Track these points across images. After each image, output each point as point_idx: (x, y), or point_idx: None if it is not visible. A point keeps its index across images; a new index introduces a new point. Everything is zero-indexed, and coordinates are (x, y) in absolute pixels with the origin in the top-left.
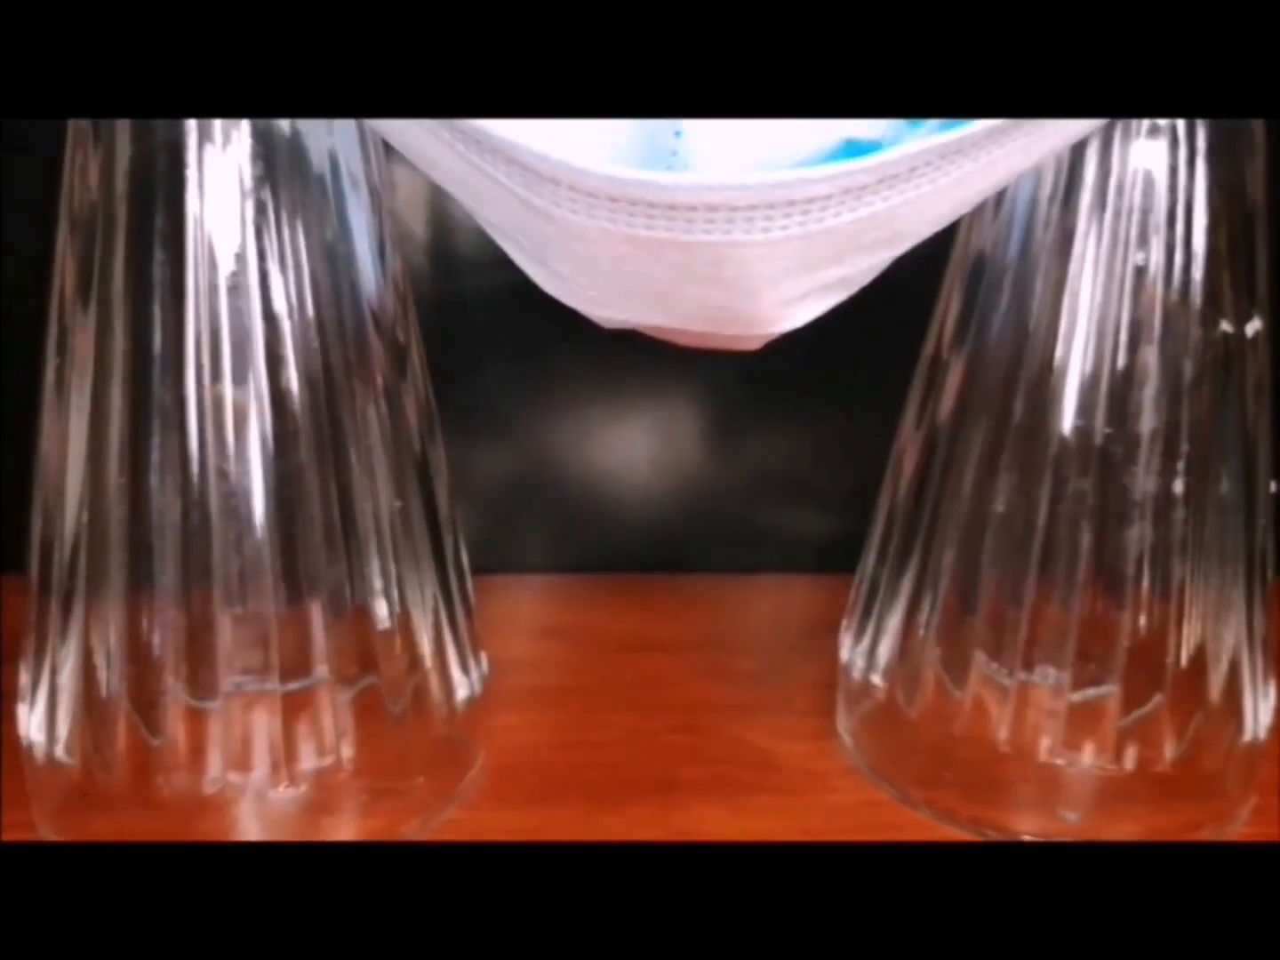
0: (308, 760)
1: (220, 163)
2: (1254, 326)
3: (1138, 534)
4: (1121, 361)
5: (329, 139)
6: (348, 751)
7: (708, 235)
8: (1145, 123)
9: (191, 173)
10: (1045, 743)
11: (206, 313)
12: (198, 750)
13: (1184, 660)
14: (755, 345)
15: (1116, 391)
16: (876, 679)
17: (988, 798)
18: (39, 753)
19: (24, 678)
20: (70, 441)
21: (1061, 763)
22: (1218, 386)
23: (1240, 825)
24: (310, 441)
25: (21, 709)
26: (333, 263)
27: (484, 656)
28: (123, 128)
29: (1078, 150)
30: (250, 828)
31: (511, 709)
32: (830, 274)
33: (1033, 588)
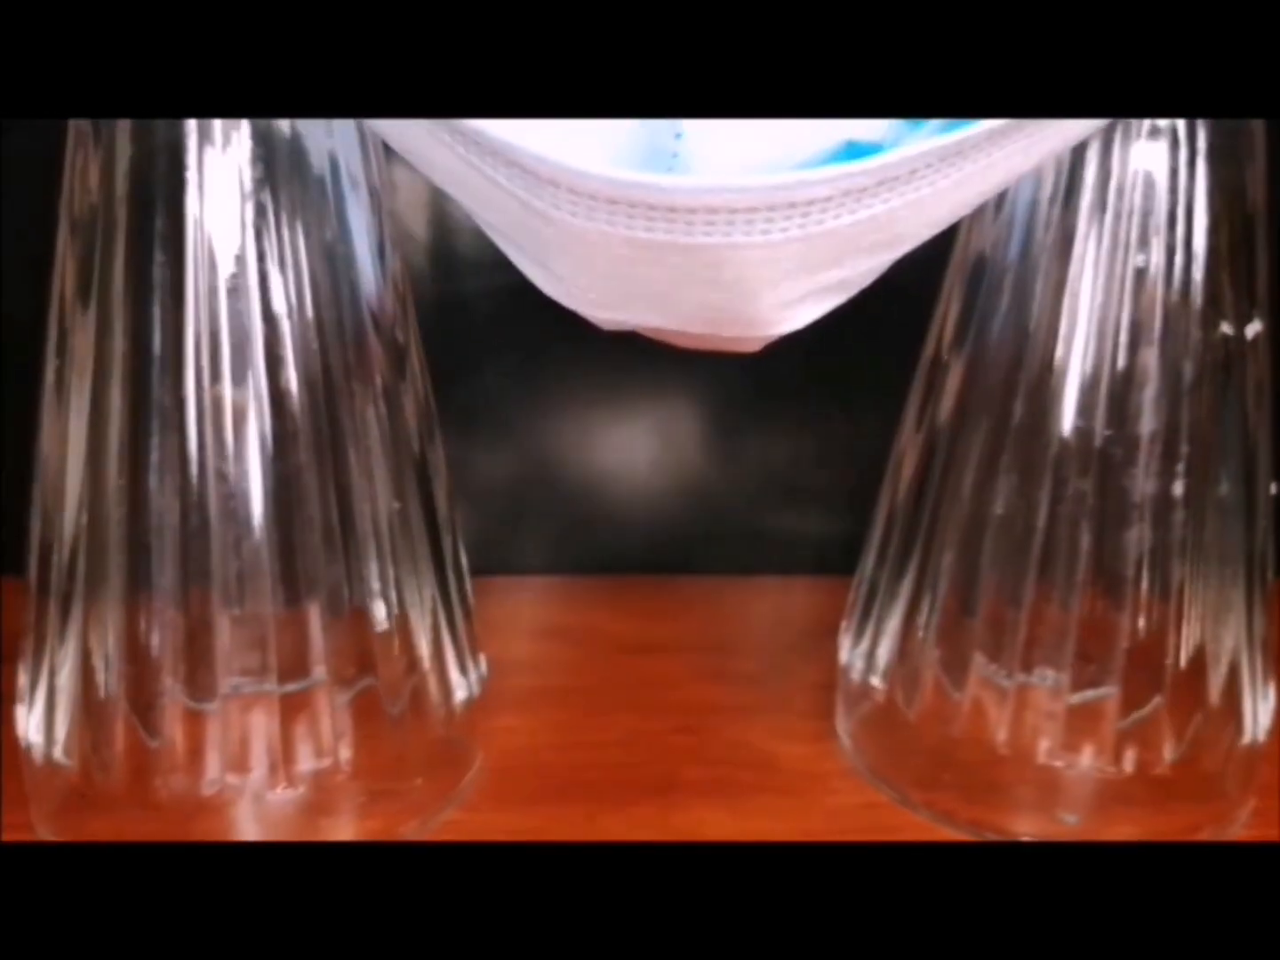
0: (306, 762)
1: (220, 164)
2: (1254, 328)
3: (1137, 535)
4: (1121, 363)
5: (329, 140)
6: (346, 753)
7: (707, 237)
8: (1145, 124)
9: (191, 174)
10: (1044, 745)
11: (206, 314)
12: (196, 751)
13: (1183, 662)
14: (755, 347)
15: (1116, 393)
16: (876, 681)
17: (987, 800)
18: (37, 754)
19: (22, 679)
20: (69, 443)
21: (1060, 765)
22: (1218, 388)
23: (1239, 827)
24: (309, 442)
25: (20, 710)
26: (332, 264)
27: (482, 658)
28: (123, 129)
29: (1078, 152)
30: (248, 829)
31: (511, 710)
32: (830, 276)
33: (1032, 589)
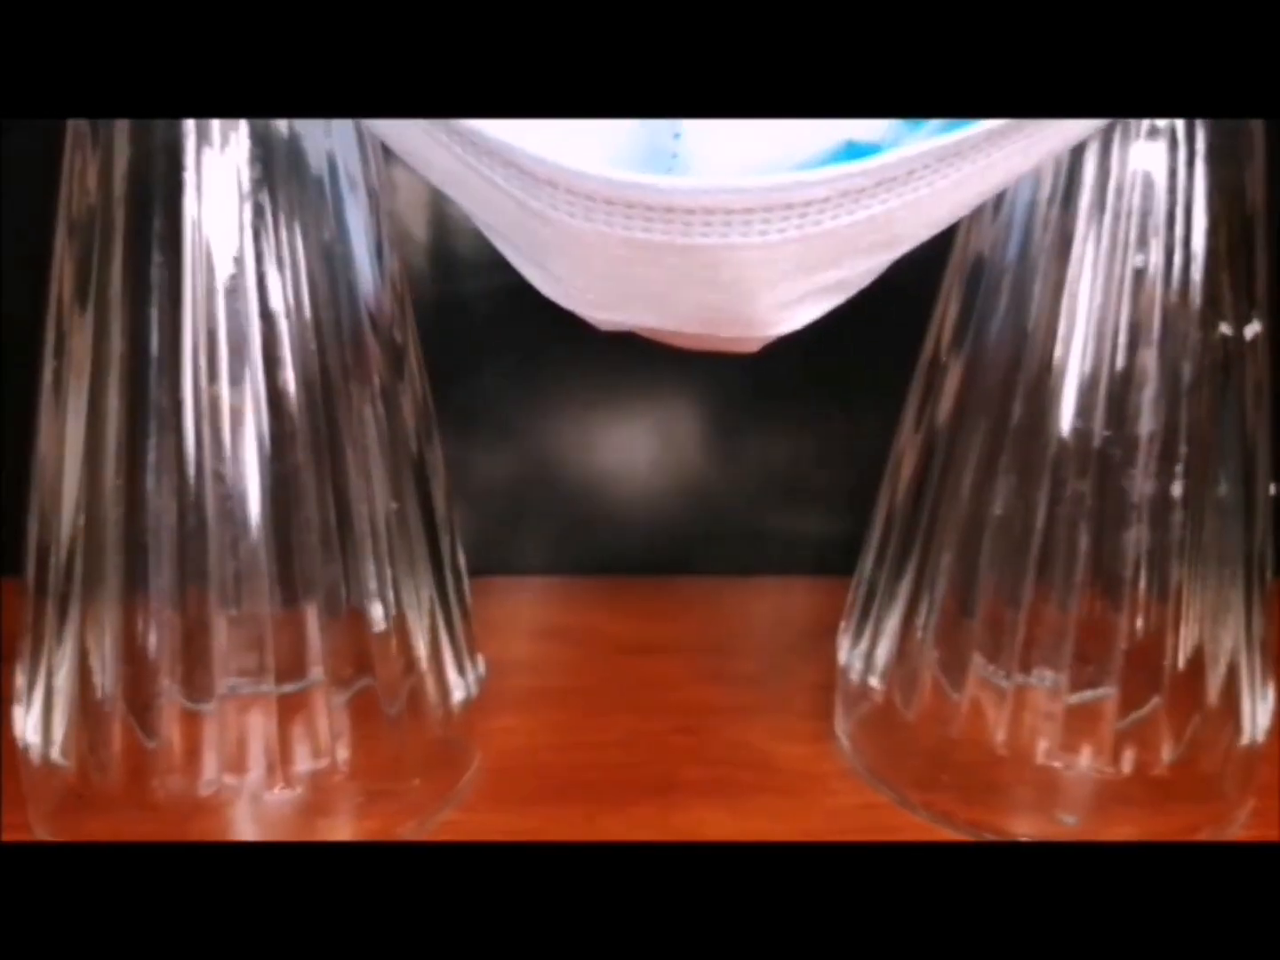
0: (303, 762)
1: (218, 165)
2: (1253, 329)
3: (1136, 536)
4: (1120, 363)
5: (327, 141)
6: (343, 753)
7: (705, 238)
8: (1144, 124)
9: (189, 175)
10: (1043, 745)
11: (204, 315)
12: (193, 752)
13: (1182, 663)
14: (753, 347)
15: (1115, 394)
16: (874, 681)
17: (985, 800)
18: (35, 754)
19: (20, 680)
20: (67, 443)
21: (1059, 765)
22: (1217, 389)
23: (1238, 828)
24: (306, 443)
25: (17, 711)
26: (330, 264)
27: (480, 658)
28: (121, 130)
29: (1077, 152)
30: (246, 829)
31: (510, 711)
32: (828, 277)
33: (1030, 590)
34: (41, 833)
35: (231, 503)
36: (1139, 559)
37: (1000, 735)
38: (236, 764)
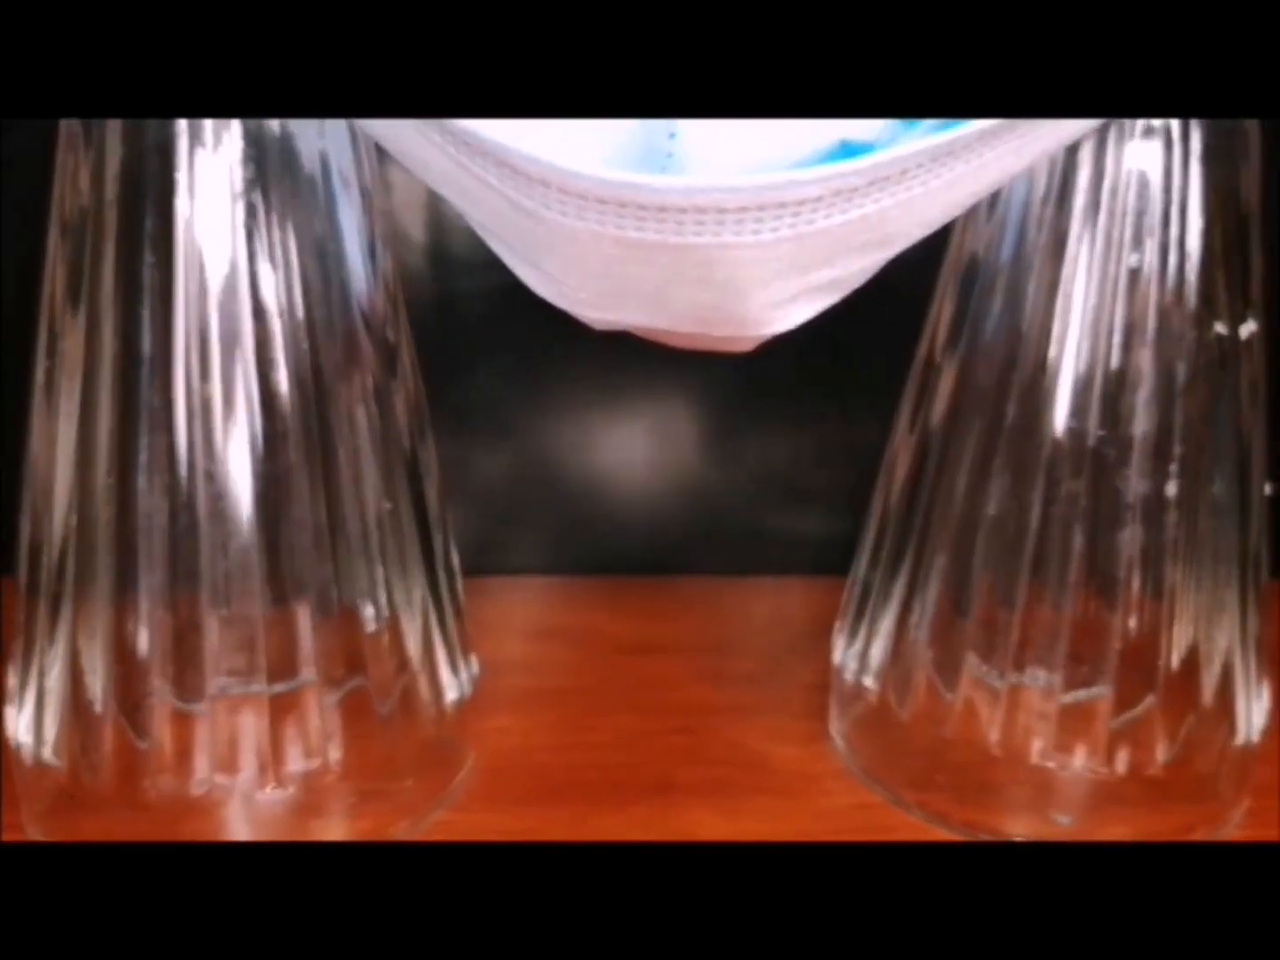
0: (295, 762)
1: (211, 165)
2: (1248, 328)
3: (1130, 536)
4: (1115, 363)
5: (320, 141)
6: (335, 753)
7: (698, 237)
8: (1140, 124)
9: (182, 175)
10: (1037, 745)
11: (196, 314)
12: (185, 752)
13: (1176, 662)
14: (747, 347)
15: (1110, 393)
16: (869, 681)
17: (980, 800)
18: (27, 755)
19: (12, 680)
20: (59, 443)
21: (1053, 765)
22: (1212, 389)
23: (1233, 828)
24: (299, 442)
25: (9, 711)
26: (323, 263)
27: (474, 658)
28: (113, 130)
29: (1071, 152)
30: (238, 829)
31: (506, 711)
32: (821, 276)
33: (1025, 590)
34: (34, 832)
35: (223, 502)
36: (1133, 559)
37: (994, 735)
38: (228, 764)
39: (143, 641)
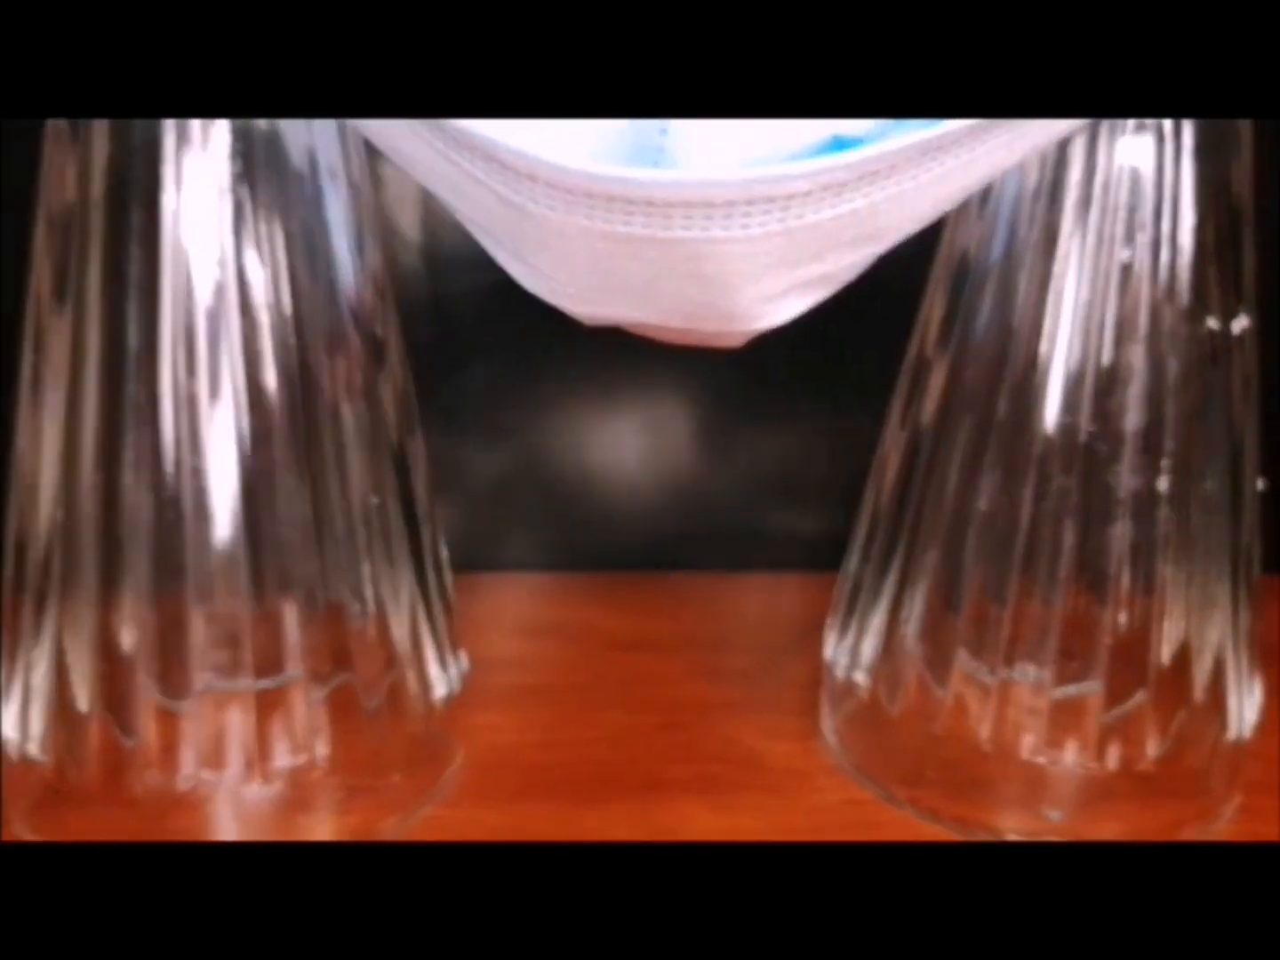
0: (282, 758)
1: (198, 160)
2: (1240, 324)
3: (1121, 531)
4: (1107, 359)
5: (308, 136)
6: (322, 749)
7: (685, 232)
8: (1131, 120)
9: (169, 170)
10: (1028, 740)
11: (182, 310)
12: (171, 749)
13: (1167, 657)
14: (738, 342)
15: (1101, 389)
16: (860, 678)
17: (971, 796)
18: (12, 750)
19: None
20: (45, 440)
21: (1044, 761)
22: (1204, 384)
23: (1224, 824)
24: (285, 437)
25: None
26: (310, 258)
27: (463, 653)
28: (100, 127)
29: (1063, 147)
30: (225, 825)
31: (497, 707)
32: (811, 271)
33: (1015, 585)
34: (20, 828)
35: (209, 498)
36: (1124, 554)
37: (985, 731)
38: (215, 760)
39: (128, 638)
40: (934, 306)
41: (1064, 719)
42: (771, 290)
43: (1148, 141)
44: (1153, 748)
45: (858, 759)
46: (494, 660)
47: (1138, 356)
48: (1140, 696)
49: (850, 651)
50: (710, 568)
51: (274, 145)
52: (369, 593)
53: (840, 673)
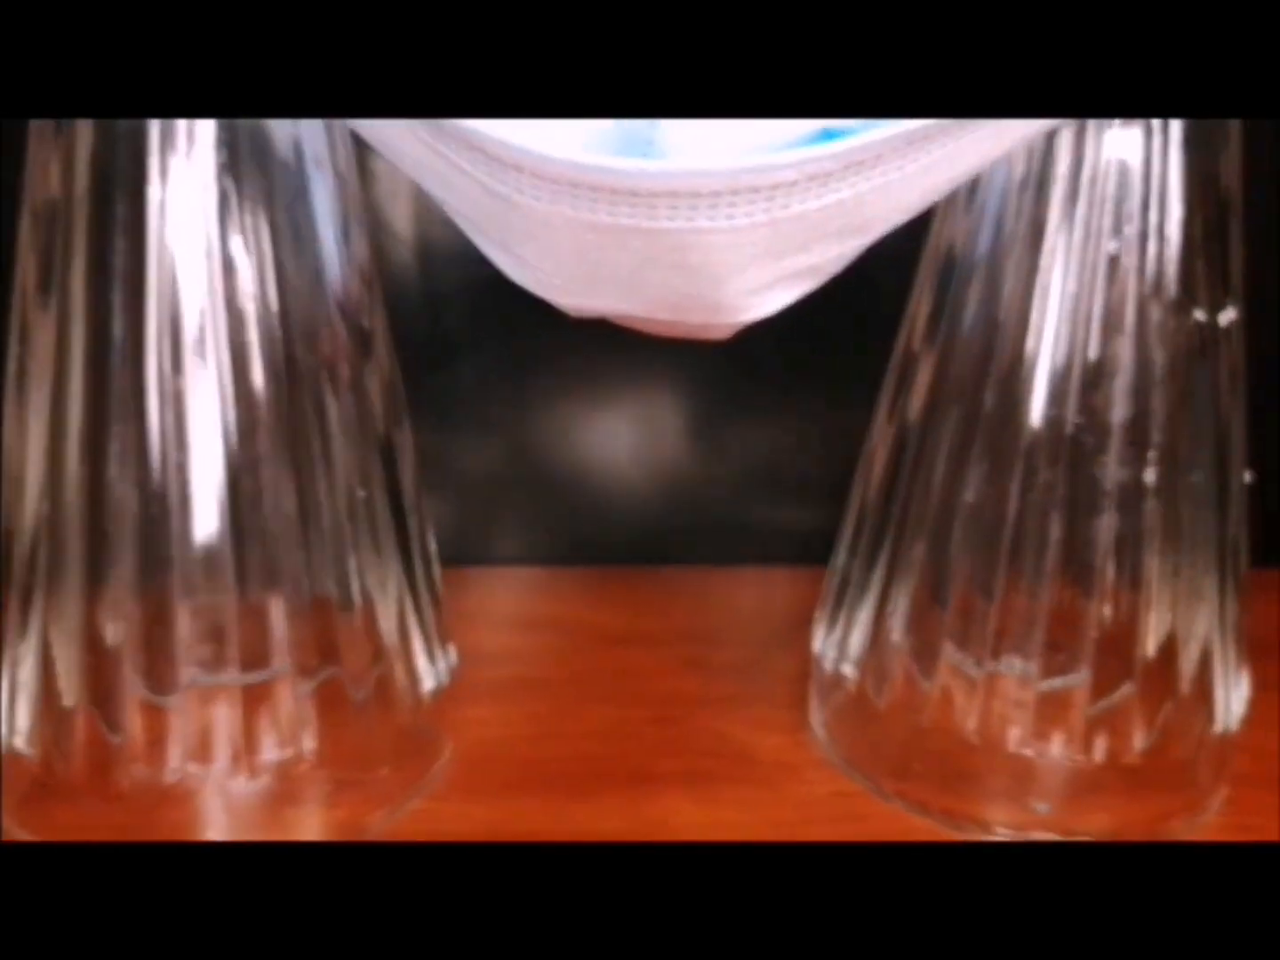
0: (269, 752)
1: (183, 151)
2: (1228, 316)
3: (1108, 524)
4: (1094, 351)
5: (293, 126)
6: (310, 743)
7: (670, 222)
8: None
9: (154, 162)
10: (1014, 733)
11: (168, 302)
12: (158, 743)
13: (1153, 650)
14: (725, 334)
15: (1088, 381)
16: (848, 670)
17: (958, 789)
18: None
19: None
20: (30, 433)
21: (1031, 753)
22: (1191, 376)
23: (1211, 816)
24: (271, 430)
25: None
26: (296, 250)
27: (452, 647)
28: (84, 120)
29: (1050, 139)
30: (212, 819)
31: (486, 701)
32: (798, 262)
33: (1002, 578)
34: (6, 823)
35: (194, 491)
36: (1111, 547)
37: (972, 723)
38: (201, 754)
39: (113, 633)
40: (921, 301)
41: (1050, 711)
42: (758, 282)
43: (1135, 134)
44: (1139, 740)
45: (846, 752)
46: (483, 654)
47: (1125, 349)
48: (1127, 689)
49: (838, 644)
50: (700, 561)
51: (259, 136)
52: (356, 586)
53: (828, 666)
